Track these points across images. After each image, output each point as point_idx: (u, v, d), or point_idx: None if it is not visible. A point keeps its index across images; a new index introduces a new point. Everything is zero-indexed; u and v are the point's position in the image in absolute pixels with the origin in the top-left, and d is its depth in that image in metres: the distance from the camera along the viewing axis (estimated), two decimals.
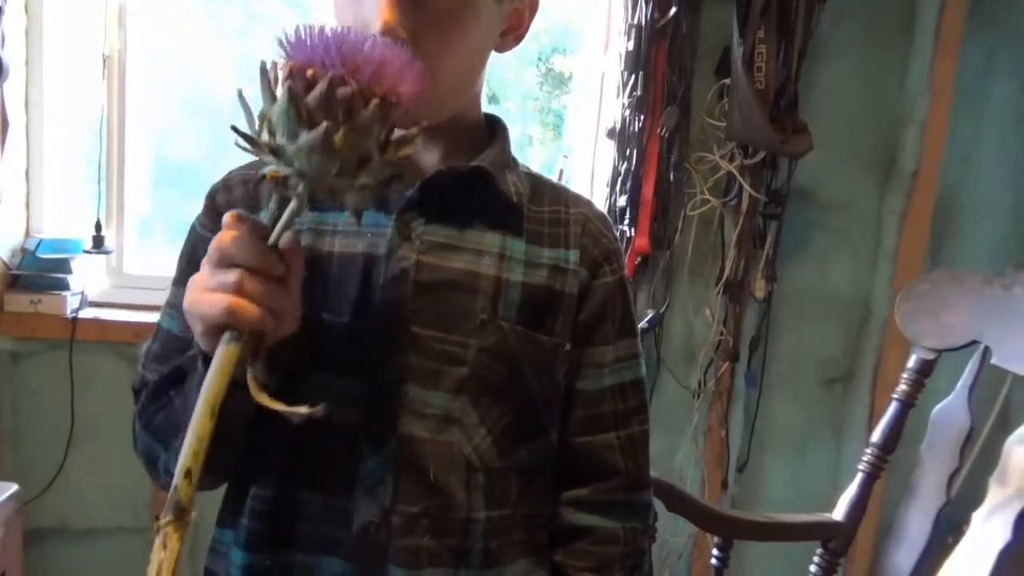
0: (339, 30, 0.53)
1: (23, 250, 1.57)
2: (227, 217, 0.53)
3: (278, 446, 0.65)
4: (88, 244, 1.60)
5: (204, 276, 0.54)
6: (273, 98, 0.53)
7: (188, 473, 0.49)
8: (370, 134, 0.53)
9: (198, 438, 0.50)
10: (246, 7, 1.79)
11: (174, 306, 0.71)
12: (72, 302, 1.55)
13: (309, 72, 0.51)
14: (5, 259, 1.54)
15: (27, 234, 1.60)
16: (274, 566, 0.65)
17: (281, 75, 0.52)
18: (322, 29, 0.52)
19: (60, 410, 1.56)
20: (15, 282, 1.55)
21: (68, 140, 1.66)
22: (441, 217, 0.68)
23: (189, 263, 0.73)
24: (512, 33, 0.71)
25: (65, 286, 1.54)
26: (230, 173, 0.74)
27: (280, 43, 0.52)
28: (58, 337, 1.55)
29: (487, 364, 0.66)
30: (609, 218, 0.79)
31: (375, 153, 0.54)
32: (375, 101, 0.52)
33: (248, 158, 0.60)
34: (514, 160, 0.75)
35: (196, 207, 0.75)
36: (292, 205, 0.53)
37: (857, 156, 1.78)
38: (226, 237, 0.53)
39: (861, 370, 1.83)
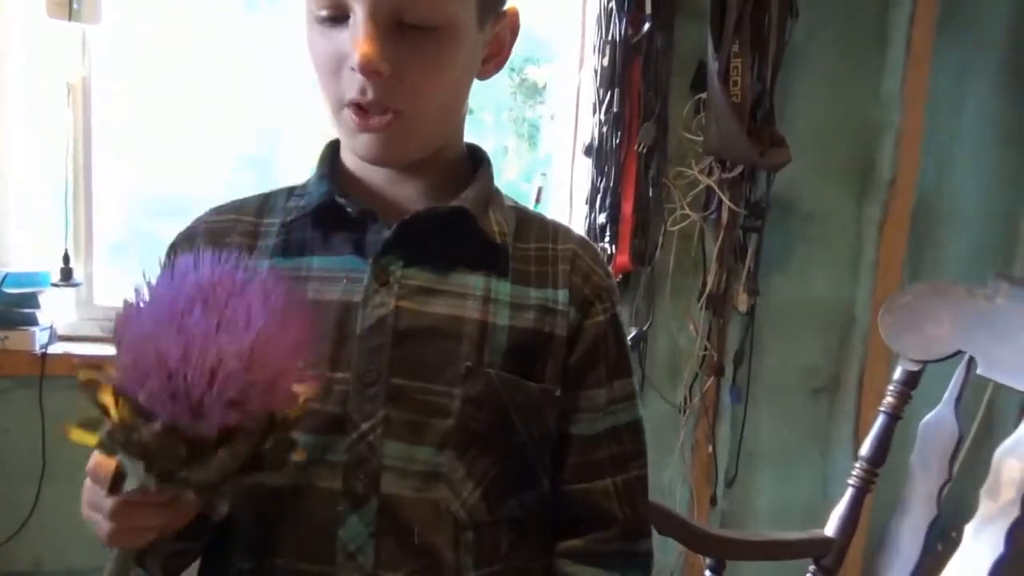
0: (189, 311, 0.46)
1: None
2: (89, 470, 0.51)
3: (255, 514, 0.62)
4: (56, 276, 1.55)
5: (87, 489, 0.53)
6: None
7: None
8: (228, 468, 0.47)
9: None
10: (214, 34, 1.76)
11: None
12: (41, 337, 1.50)
13: (142, 398, 0.45)
14: None
15: None
16: None
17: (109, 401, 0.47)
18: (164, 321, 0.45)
19: (31, 448, 1.51)
20: None
21: (33, 169, 1.61)
22: (421, 259, 0.65)
23: None
24: (493, 59, 0.68)
25: (33, 321, 1.49)
26: (196, 220, 0.71)
27: (115, 336, 0.47)
28: (27, 373, 1.50)
29: (473, 414, 0.63)
30: (600, 252, 0.76)
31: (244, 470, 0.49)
32: (222, 452, 0.46)
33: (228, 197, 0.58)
34: (498, 193, 0.72)
35: (173, 231, 0.72)
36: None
37: (834, 167, 1.79)
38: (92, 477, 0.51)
39: (846, 379, 1.83)
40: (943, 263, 1.83)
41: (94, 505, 0.51)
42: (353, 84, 0.59)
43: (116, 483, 0.48)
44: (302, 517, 0.61)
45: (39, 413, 1.51)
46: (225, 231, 0.69)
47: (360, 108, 0.60)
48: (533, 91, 1.97)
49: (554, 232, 0.72)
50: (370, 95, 0.59)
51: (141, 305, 0.47)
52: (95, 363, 0.48)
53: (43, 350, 1.49)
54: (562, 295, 0.68)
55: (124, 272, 1.73)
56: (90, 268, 1.64)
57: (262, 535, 0.62)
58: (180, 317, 0.45)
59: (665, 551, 1.69)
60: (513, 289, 0.67)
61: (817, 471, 1.87)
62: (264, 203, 0.71)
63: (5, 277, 1.50)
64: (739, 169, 1.60)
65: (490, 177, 0.71)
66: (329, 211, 0.66)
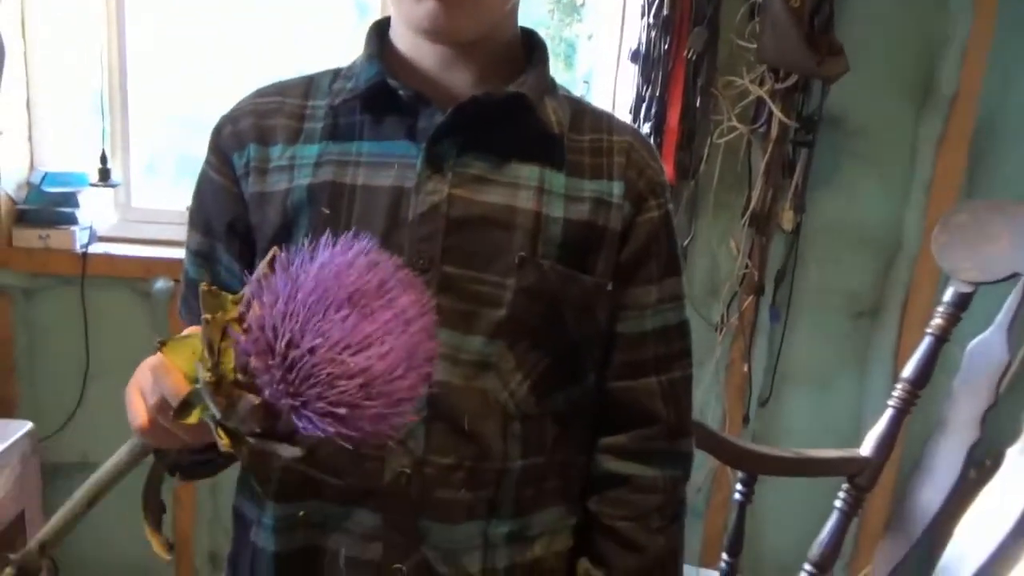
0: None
1: (28, 184, 1.53)
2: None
3: None
4: (94, 177, 1.55)
5: (144, 375, 0.50)
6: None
7: (43, 548, 0.51)
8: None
9: (65, 521, 0.51)
10: None
11: (192, 251, 0.69)
12: (81, 237, 1.51)
13: (254, 364, 0.43)
14: (11, 193, 1.50)
15: (31, 167, 1.56)
16: (306, 516, 0.63)
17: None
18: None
19: (75, 347, 1.55)
20: (22, 217, 1.51)
21: (69, 70, 1.59)
22: (474, 147, 0.63)
23: (199, 207, 0.69)
24: None
25: (73, 220, 1.50)
26: (240, 103, 0.69)
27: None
28: (69, 273, 1.52)
29: (525, 306, 0.62)
30: (655, 147, 0.73)
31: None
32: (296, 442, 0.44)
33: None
34: (553, 83, 0.69)
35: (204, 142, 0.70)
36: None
37: (893, 79, 1.69)
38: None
39: (889, 304, 1.78)
40: (1001, 186, 1.75)
41: (143, 391, 0.50)
42: None
43: (184, 408, 0.47)
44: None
45: (81, 312, 1.53)
46: (270, 113, 0.66)
47: None
48: (571, 8, 1.89)
49: (608, 123, 0.69)
50: None
51: (294, 275, 0.44)
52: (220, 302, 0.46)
53: (84, 249, 1.51)
54: (617, 187, 0.66)
55: (160, 184, 1.73)
56: (127, 171, 1.64)
57: None
58: (328, 310, 0.42)
59: (695, 465, 1.70)
60: (568, 181, 0.64)
61: (852, 396, 1.84)
62: (309, 85, 0.68)
63: (44, 176, 1.51)
64: (793, 79, 1.52)
65: (547, 64, 0.68)
66: (379, 94, 0.63)
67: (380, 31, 0.68)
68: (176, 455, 0.53)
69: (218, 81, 1.69)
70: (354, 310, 0.43)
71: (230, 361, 0.44)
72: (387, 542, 0.62)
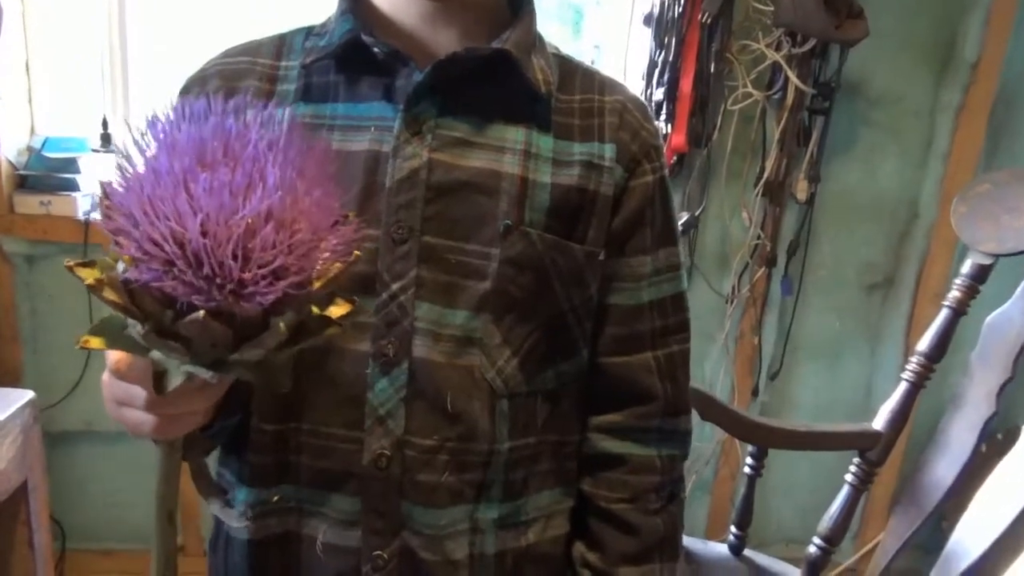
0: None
1: (29, 149, 1.50)
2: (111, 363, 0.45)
3: None
4: (96, 142, 1.52)
5: (109, 385, 0.47)
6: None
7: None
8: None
9: (164, 546, 0.49)
10: None
11: None
12: (83, 203, 1.49)
13: (169, 288, 0.39)
14: (11, 159, 1.48)
15: (32, 132, 1.53)
16: (281, 501, 0.60)
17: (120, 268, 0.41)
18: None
19: (78, 314, 1.54)
20: (23, 183, 1.49)
21: (69, 31, 1.56)
22: (456, 109, 0.58)
23: None
24: None
25: (75, 186, 1.48)
26: (206, 64, 0.64)
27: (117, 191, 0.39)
28: (71, 240, 1.50)
29: (511, 277, 0.58)
30: (649, 107, 0.68)
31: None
32: (272, 324, 0.41)
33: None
34: (540, 40, 0.64)
35: None
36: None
37: (912, 45, 1.64)
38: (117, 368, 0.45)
39: (903, 276, 1.76)
40: (1021, 156, 1.71)
41: (124, 400, 0.46)
42: None
43: (160, 381, 0.43)
44: (328, 379, 0.57)
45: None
46: (239, 74, 0.62)
47: None
48: None
49: (600, 83, 0.65)
50: None
51: (137, 174, 0.39)
52: (87, 261, 0.43)
53: (86, 216, 1.48)
54: (608, 150, 0.62)
55: None
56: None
57: (286, 397, 0.58)
58: (186, 184, 0.38)
59: (702, 438, 1.69)
60: (556, 144, 0.61)
61: (863, 369, 1.83)
62: (281, 44, 0.63)
63: (44, 142, 1.48)
64: (810, 44, 1.48)
65: (533, 19, 0.64)
66: (354, 52, 0.58)
67: None
68: (201, 437, 0.51)
69: (222, 39, 1.65)
70: (215, 165, 0.39)
71: (150, 303, 0.40)
72: (367, 527, 0.59)
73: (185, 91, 0.63)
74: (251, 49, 0.64)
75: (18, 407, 0.89)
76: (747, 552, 1.32)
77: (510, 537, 0.62)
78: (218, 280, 0.38)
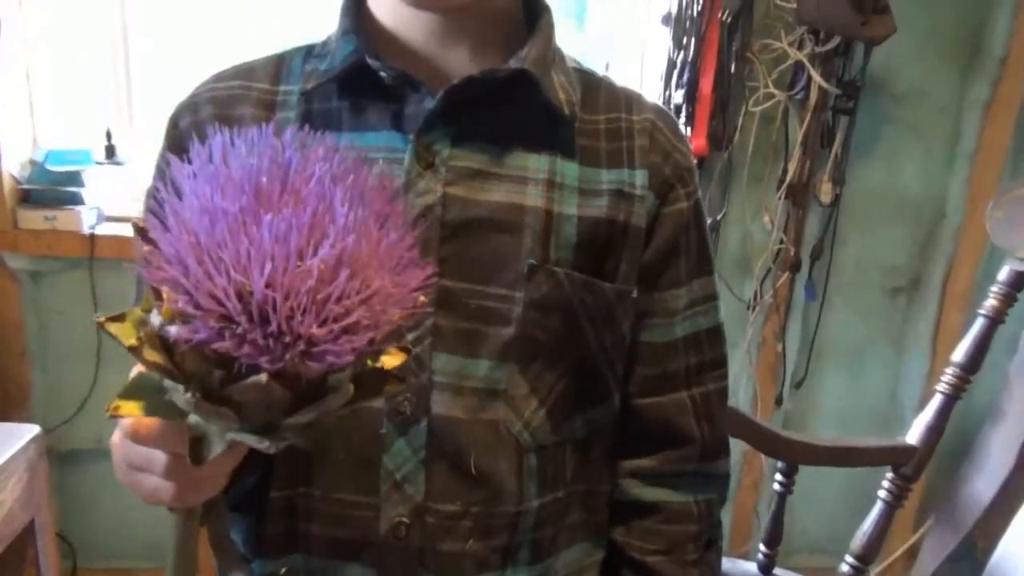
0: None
1: (31, 162, 1.46)
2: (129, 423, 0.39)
3: None
4: (100, 154, 1.49)
5: (123, 448, 0.41)
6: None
7: None
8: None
9: None
10: None
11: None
12: (88, 217, 1.45)
13: (230, 349, 0.33)
14: (14, 173, 1.44)
15: (34, 144, 1.49)
16: (289, 573, 0.55)
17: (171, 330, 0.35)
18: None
19: (86, 330, 1.50)
20: (26, 197, 1.45)
21: (70, 39, 1.52)
22: (471, 136, 0.54)
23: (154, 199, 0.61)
24: None
25: (79, 200, 1.44)
26: (196, 89, 0.59)
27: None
28: (77, 255, 1.46)
29: (537, 320, 0.53)
30: (680, 125, 0.63)
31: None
32: (332, 384, 0.36)
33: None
34: (559, 54, 0.59)
35: None
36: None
37: (938, 41, 1.59)
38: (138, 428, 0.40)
39: (929, 279, 1.71)
40: None
41: (141, 465, 0.41)
42: None
43: (198, 448, 0.37)
44: (339, 440, 0.53)
45: (91, 294, 1.48)
46: (233, 100, 0.57)
47: None
48: None
49: (627, 100, 0.60)
50: None
51: (182, 213, 0.33)
52: (117, 315, 0.37)
53: (91, 230, 1.45)
54: (639, 176, 0.57)
55: None
56: (134, 148, 1.57)
57: (294, 461, 0.54)
58: (245, 226, 0.32)
59: None
60: (581, 171, 0.56)
61: (888, 375, 1.78)
62: (279, 66, 0.58)
63: (47, 155, 1.45)
64: (834, 41, 1.43)
65: (552, 31, 0.58)
66: (359, 76, 0.53)
67: (356, 0, 0.58)
68: (224, 500, 0.46)
69: (229, 48, 1.61)
70: (277, 209, 0.33)
71: (195, 362, 0.35)
72: None
73: (175, 120, 0.58)
74: (245, 72, 0.59)
75: (22, 445, 0.85)
76: (777, 572, 1.27)
77: None
78: (286, 339, 0.33)
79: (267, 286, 0.32)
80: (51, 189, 1.44)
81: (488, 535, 0.54)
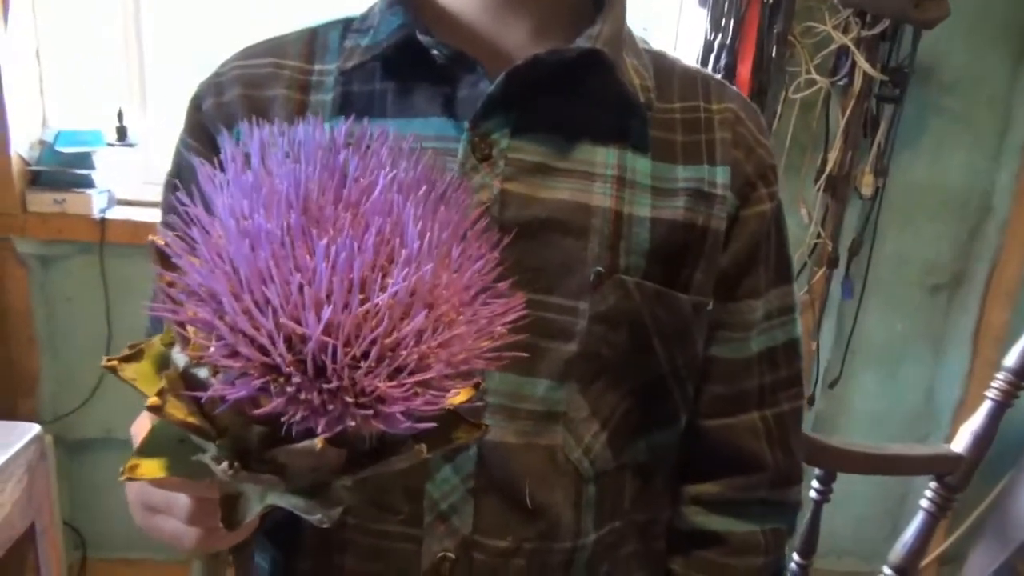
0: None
1: (41, 143, 1.41)
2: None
3: None
4: (111, 135, 1.44)
5: (142, 490, 0.37)
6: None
7: None
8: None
9: None
10: None
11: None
12: (99, 201, 1.40)
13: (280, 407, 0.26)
14: (23, 154, 1.39)
15: (43, 124, 1.44)
16: None
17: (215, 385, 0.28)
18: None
19: (96, 316, 1.46)
20: (36, 179, 1.40)
21: (81, 16, 1.46)
22: (533, 126, 0.48)
23: (174, 191, 0.55)
24: None
25: (90, 183, 1.40)
26: (222, 67, 0.53)
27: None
28: (87, 239, 1.41)
29: (603, 336, 0.48)
30: (762, 115, 0.57)
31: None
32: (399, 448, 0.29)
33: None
34: (631, 34, 0.52)
35: None
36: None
37: (988, 25, 1.50)
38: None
39: (972, 276, 1.63)
40: None
41: (162, 509, 0.37)
42: None
43: (231, 510, 0.31)
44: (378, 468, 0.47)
45: (101, 280, 1.44)
46: (264, 80, 0.51)
47: None
48: None
49: (705, 86, 0.53)
50: None
51: (211, 237, 0.27)
52: (130, 354, 0.30)
53: (102, 214, 1.40)
54: (721, 174, 0.51)
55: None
56: (147, 129, 1.52)
57: None
58: (292, 249, 0.26)
59: None
60: (654, 167, 0.49)
61: (925, 375, 1.71)
62: (312, 42, 0.52)
63: (57, 135, 1.40)
64: (882, 25, 1.35)
65: (624, 8, 0.51)
66: (406, 54, 0.48)
67: None
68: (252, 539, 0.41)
69: (246, 25, 1.55)
70: (332, 229, 0.26)
71: (234, 417, 0.28)
72: None
73: (197, 100, 0.52)
74: (276, 49, 0.52)
75: (22, 445, 0.81)
76: None
77: None
78: (348, 397, 0.26)
79: (324, 331, 0.25)
80: (61, 171, 1.39)
81: (541, 573, 0.49)
